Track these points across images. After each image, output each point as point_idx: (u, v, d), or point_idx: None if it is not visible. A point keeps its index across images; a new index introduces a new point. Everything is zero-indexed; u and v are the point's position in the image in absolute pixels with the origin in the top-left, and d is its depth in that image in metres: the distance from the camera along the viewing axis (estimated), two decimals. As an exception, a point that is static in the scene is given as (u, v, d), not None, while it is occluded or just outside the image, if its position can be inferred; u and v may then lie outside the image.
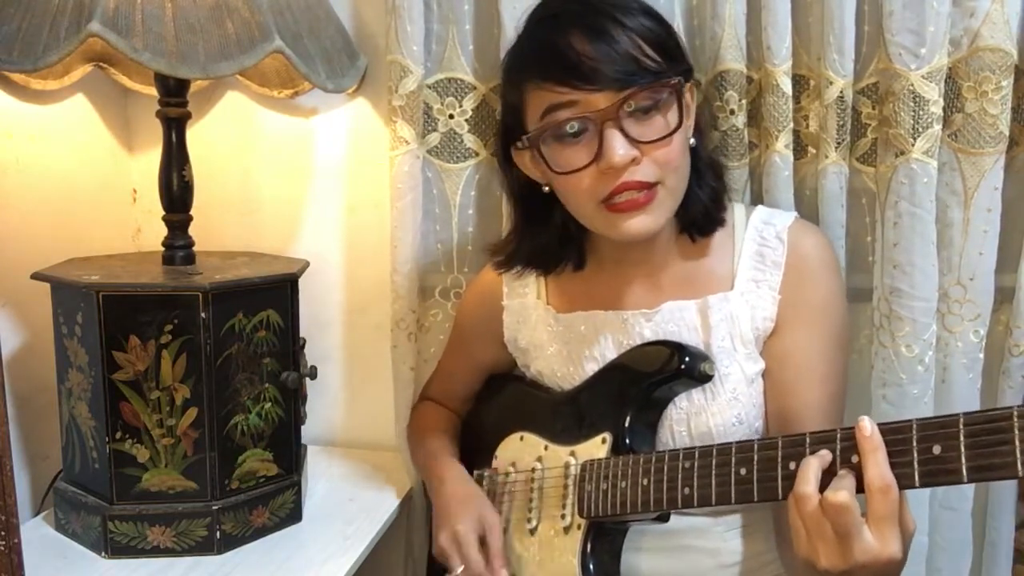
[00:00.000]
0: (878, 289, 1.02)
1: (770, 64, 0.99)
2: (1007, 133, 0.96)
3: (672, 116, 0.82)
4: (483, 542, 0.93)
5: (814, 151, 1.04)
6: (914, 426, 0.64)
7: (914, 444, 0.64)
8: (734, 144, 1.03)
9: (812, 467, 0.68)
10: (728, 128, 1.03)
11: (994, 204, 0.98)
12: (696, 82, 0.90)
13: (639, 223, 0.84)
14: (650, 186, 0.83)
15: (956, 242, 1.00)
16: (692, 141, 0.88)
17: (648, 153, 0.82)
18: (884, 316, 1.01)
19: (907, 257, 0.98)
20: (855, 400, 1.07)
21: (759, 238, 0.92)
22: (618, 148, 0.80)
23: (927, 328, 0.99)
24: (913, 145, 0.96)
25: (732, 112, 1.02)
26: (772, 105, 1.00)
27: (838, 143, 1.00)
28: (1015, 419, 0.58)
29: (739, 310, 0.90)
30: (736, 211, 0.95)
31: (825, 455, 0.68)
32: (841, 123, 0.99)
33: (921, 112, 0.95)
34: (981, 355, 1.02)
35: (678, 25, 1.05)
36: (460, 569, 0.93)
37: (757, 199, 1.05)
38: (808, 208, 1.05)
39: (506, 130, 0.92)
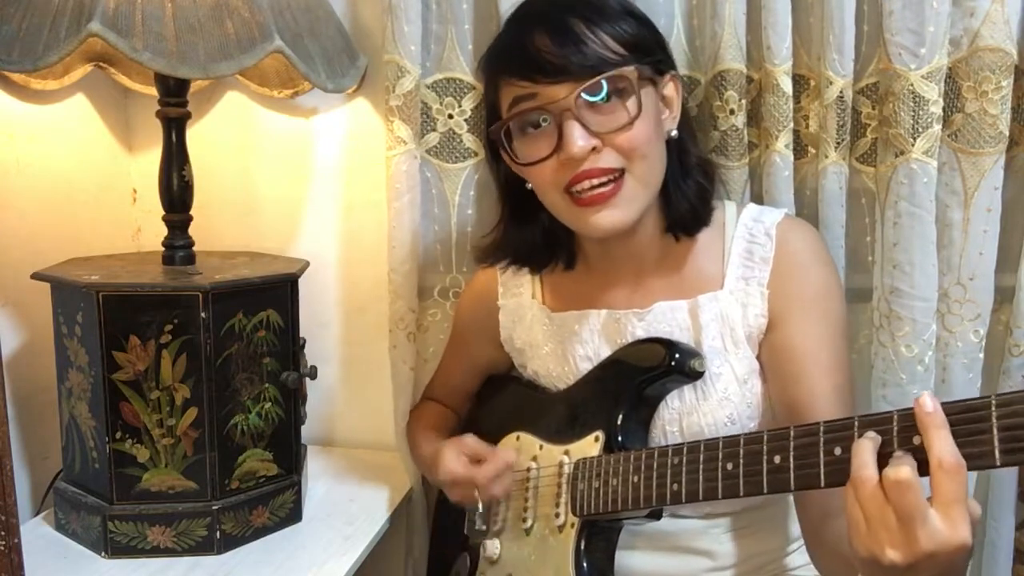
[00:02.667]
0: (878, 289, 1.02)
1: (770, 64, 0.99)
2: (1007, 133, 0.96)
3: (632, 104, 0.83)
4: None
5: (814, 151, 1.04)
6: (895, 417, 0.63)
7: (894, 435, 0.63)
8: (734, 144, 1.03)
9: (866, 449, 0.63)
10: (728, 128, 1.03)
11: (994, 204, 0.98)
12: (677, 76, 0.90)
13: (607, 217, 0.84)
14: (614, 174, 0.83)
15: (956, 242, 1.00)
16: (674, 133, 0.89)
17: (609, 142, 0.83)
18: (884, 316, 1.01)
19: (907, 257, 0.98)
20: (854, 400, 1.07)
21: (748, 235, 0.92)
22: (577, 139, 0.81)
23: (927, 328, 0.99)
24: (913, 145, 0.96)
25: (732, 112, 1.02)
26: (772, 105, 1.00)
27: (838, 143, 1.00)
28: (993, 408, 0.58)
29: (730, 309, 0.90)
30: (727, 209, 0.95)
31: (876, 437, 0.63)
32: (841, 123, 0.99)
33: (921, 112, 0.95)
34: (981, 355, 1.02)
35: (678, 25, 1.06)
36: (480, 507, 0.95)
37: (757, 199, 1.05)
38: (808, 208, 1.05)
39: (489, 125, 0.94)
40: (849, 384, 0.89)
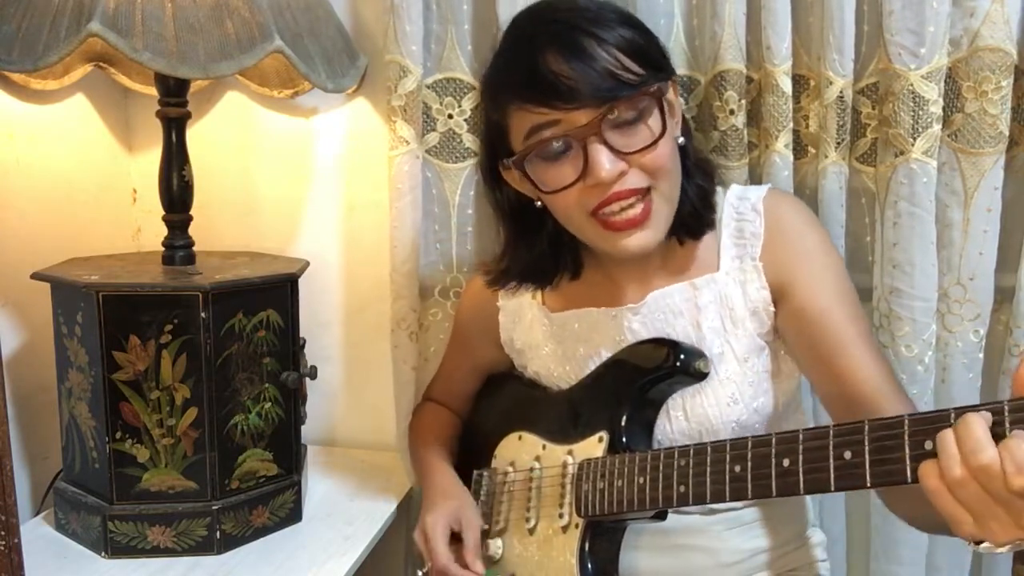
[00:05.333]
0: (878, 289, 1.02)
1: (770, 64, 0.99)
2: (1007, 133, 0.96)
3: (655, 123, 0.82)
4: (460, 539, 0.94)
5: (814, 151, 1.04)
6: (906, 421, 0.62)
7: (905, 439, 0.62)
8: (734, 144, 1.03)
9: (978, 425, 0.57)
10: (728, 128, 1.03)
11: (994, 204, 0.98)
12: (676, 79, 0.89)
13: (638, 240, 0.83)
14: (642, 193, 0.82)
15: (956, 242, 1.00)
16: (681, 140, 0.87)
17: (635, 163, 0.81)
18: (884, 316, 1.01)
19: (907, 257, 0.98)
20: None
21: (736, 214, 0.91)
22: (604, 163, 0.79)
23: (927, 328, 0.99)
24: (913, 145, 0.96)
25: (732, 112, 1.02)
26: (772, 105, 1.00)
27: (838, 143, 1.00)
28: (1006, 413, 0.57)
29: (728, 289, 0.89)
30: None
31: (987, 416, 0.58)
32: (841, 123, 0.99)
33: (921, 112, 0.95)
34: (981, 355, 1.02)
35: (677, 25, 1.06)
36: (426, 568, 0.94)
37: (757, 199, 1.05)
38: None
39: (491, 148, 0.91)
40: (871, 332, 0.87)
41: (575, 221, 0.86)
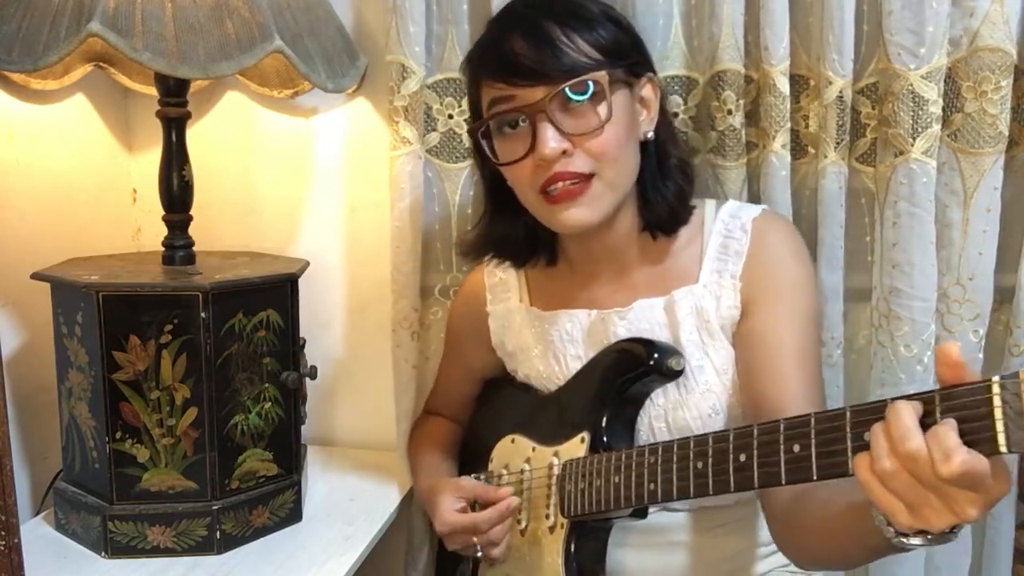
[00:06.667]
0: (877, 289, 1.03)
1: (767, 64, 0.99)
2: (1006, 133, 0.96)
3: (604, 110, 0.84)
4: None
5: (813, 151, 1.04)
6: (848, 413, 0.62)
7: (847, 430, 0.62)
8: (731, 144, 1.03)
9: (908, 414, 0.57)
10: (726, 128, 1.03)
11: (993, 204, 0.98)
12: (654, 78, 0.91)
13: (574, 215, 0.86)
14: (584, 177, 0.85)
15: (955, 242, 1.00)
16: (650, 135, 0.90)
17: (580, 145, 0.84)
18: (883, 316, 1.02)
19: (906, 257, 0.98)
20: (853, 400, 1.07)
21: (725, 230, 0.93)
22: (549, 140, 0.83)
23: (926, 328, 0.99)
24: (912, 145, 0.96)
25: (730, 112, 1.02)
26: (770, 105, 1.00)
27: (837, 143, 1.00)
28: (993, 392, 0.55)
29: (704, 302, 0.91)
30: (707, 208, 0.96)
31: (918, 406, 0.58)
32: (840, 123, 0.99)
33: (920, 112, 0.95)
34: (980, 355, 1.02)
35: (676, 25, 1.06)
36: (478, 552, 0.96)
37: (755, 199, 1.05)
38: (807, 208, 1.06)
39: (472, 121, 0.96)
40: (817, 381, 0.88)
41: (529, 199, 0.90)
